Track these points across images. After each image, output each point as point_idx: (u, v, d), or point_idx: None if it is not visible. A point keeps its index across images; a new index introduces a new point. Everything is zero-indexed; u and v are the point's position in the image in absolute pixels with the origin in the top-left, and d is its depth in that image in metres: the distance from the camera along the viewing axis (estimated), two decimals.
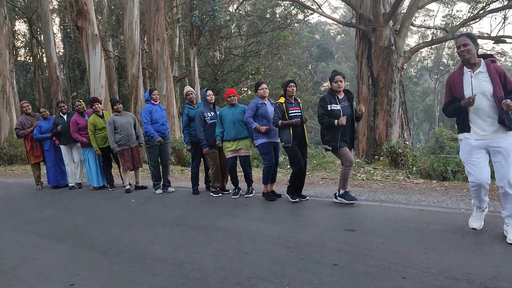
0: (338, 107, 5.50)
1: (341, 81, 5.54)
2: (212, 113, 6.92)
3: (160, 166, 7.87)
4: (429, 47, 34.75)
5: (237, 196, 6.85)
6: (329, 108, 5.50)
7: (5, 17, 18.12)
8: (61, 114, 8.71)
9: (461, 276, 3.16)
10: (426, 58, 47.16)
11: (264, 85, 6.44)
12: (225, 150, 6.69)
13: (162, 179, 7.84)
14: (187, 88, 7.45)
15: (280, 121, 5.82)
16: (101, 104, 8.42)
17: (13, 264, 4.05)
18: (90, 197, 7.71)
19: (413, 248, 3.81)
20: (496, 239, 3.92)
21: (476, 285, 3.00)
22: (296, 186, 6.11)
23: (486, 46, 31.53)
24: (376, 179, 7.49)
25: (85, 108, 8.61)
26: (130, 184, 8.16)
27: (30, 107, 9.21)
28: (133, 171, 8.25)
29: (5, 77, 17.50)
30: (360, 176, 7.91)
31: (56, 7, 31.51)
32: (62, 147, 8.72)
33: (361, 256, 3.68)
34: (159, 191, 7.65)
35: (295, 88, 5.96)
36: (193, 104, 7.29)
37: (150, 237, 4.69)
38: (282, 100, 5.95)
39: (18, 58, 32.41)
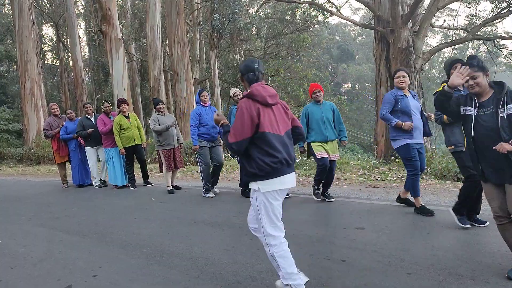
0: (472, 112, 3.32)
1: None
2: None
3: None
4: (452, 47, 34.17)
5: (332, 200, 6.28)
6: (462, 111, 3.43)
7: (33, 22, 18.75)
8: (87, 116, 9.04)
9: (465, 272, 3.26)
10: (449, 57, 46.43)
11: (402, 73, 5.16)
12: (316, 148, 6.02)
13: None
14: (234, 89, 7.10)
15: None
16: (128, 105, 8.65)
17: (39, 257, 4.32)
18: (112, 195, 7.99)
19: (420, 246, 3.91)
20: (499, 238, 3.97)
21: (479, 281, 3.09)
22: (469, 204, 4.49)
23: (510, 46, 30.84)
24: (391, 180, 7.55)
25: (111, 110, 8.94)
26: (175, 186, 8.21)
27: (58, 109, 9.59)
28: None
29: (33, 80, 18.13)
30: (374, 176, 7.98)
31: (81, 11, 32.36)
32: (88, 148, 9.03)
33: (369, 253, 3.81)
34: (210, 195, 7.24)
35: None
36: None
37: (167, 233, 4.91)
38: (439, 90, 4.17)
39: (45, 62, 33.41)
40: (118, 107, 8.48)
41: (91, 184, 9.43)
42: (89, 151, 9.04)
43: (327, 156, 5.97)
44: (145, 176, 9.00)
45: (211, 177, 7.36)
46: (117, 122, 8.30)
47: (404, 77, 5.14)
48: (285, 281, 2.88)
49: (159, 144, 7.82)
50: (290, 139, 3.05)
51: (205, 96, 7.25)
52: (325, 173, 6.05)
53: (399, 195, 5.60)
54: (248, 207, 6.08)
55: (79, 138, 9.07)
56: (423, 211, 5.07)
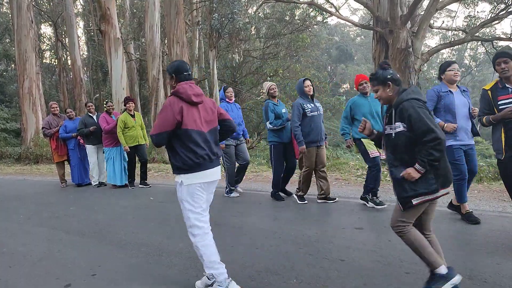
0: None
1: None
2: (312, 105, 5.99)
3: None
4: (451, 48, 34.24)
5: (384, 206, 5.59)
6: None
7: (32, 21, 18.72)
8: (90, 114, 9.03)
9: (462, 272, 3.26)
10: (448, 59, 46.52)
11: (457, 65, 4.66)
12: (368, 146, 5.51)
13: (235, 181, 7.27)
14: (268, 83, 6.69)
15: (488, 117, 3.97)
16: (134, 104, 8.60)
17: (39, 256, 4.32)
18: (111, 195, 8.00)
19: None
20: (500, 238, 4.00)
21: (476, 280, 3.11)
22: None
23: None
24: (389, 180, 7.54)
25: (113, 109, 8.96)
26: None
27: (58, 108, 9.59)
28: None
29: (31, 79, 18.09)
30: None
31: (80, 11, 32.32)
32: (89, 146, 9.00)
33: (367, 253, 3.82)
34: (234, 194, 7.02)
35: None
36: (276, 100, 6.58)
37: (166, 232, 4.91)
38: (488, 86, 4.08)
39: (44, 61, 33.33)
40: (125, 105, 8.45)
41: (90, 183, 9.42)
42: (90, 150, 9.04)
43: (379, 154, 5.48)
44: (144, 177, 8.91)
45: (235, 176, 7.17)
46: (122, 120, 8.23)
47: (459, 70, 4.70)
48: (208, 270, 3.07)
49: None
50: (215, 136, 3.25)
51: (230, 92, 6.99)
52: (378, 178, 5.51)
53: (451, 201, 4.97)
54: (249, 207, 6.10)
55: (79, 137, 9.07)
56: (469, 219, 4.62)
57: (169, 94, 3.23)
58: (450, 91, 4.58)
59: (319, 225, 4.92)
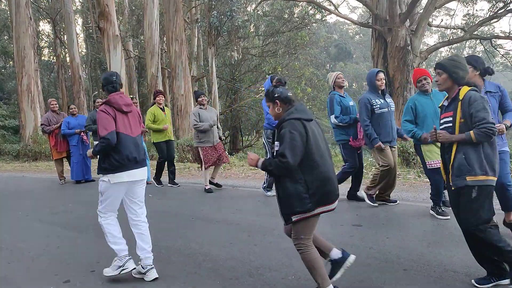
0: None
1: None
2: (382, 100, 5.34)
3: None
4: (449, 47, 34.25)
5: (445, 217, 4.72)
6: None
7: (30, 18, 18.66)
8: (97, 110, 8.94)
9: (460, 269, 3.29)
10: (446, 58, 46.51)
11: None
12: (427, 154, 4.73)
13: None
14: (335, 72, 6.03)
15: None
16: (165, 97, 8.16)
17: (38, 252, 4.33)
18: None
19: (416, 243, 3.94)
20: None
21: (474, 277, 3.12)
22: None
23: (507, 45, 30.96)
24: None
25: (136, 104, 8.71)
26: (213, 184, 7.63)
27: (57, 105, 9.55)
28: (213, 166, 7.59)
29: (30, 76, 18.05)
30: (371, 174, 7.99)
31: (79, 8, 32.23)
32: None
33: (365, 249, 3.84)
34: (270, 193, 6.63)
35: None
36: (342, 92, 5.94)
37: (165, 229, 4.93)
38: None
39: (42, 58, 33.23)
40: (154, 98, 8.04)
41: (92, 180, 9.36)
42: None
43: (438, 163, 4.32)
44: (173, 176, 8.32)
45: None
46: (152, 113, 7.81)
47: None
48: (110, 244, 3.55)
49: (199, 141, 7.27)
50: (141, 141, 3.67)
51: (275, 82, 6.48)
52: (441, 190, 4.72)
53: (504, 219, 4.25)
54: (247, 205, 6.11)
55: (82, 134, 9.01)
56: None
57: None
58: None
59: (317, 223, 4.93)
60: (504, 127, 3.70)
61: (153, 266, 3.51)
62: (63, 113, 9.45)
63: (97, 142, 3.39)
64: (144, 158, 3.62)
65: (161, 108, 7.98)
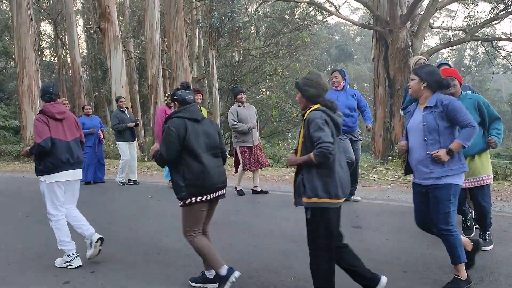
0: None
1: None
2: None
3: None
4: (450, 48, 34.24)
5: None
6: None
7: (32, 18, 18.68)
8: (122, 110, 8.78)
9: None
10: (447, 59, 46.50)
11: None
12: None
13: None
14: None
15: None
16: (202, 96, 7.72)
17: (38, 253, 4.34)
18: (110, 192, 8.00)
19: (416, 245, 3.94)
20: (497, 238, 4.01)
21: (473, 279, 3.13)
22: None
23: (508, 47, 30.95)
24: (387, 179, 7.57)
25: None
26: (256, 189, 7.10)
27: (68, 105, 9.39)
28: (252, 173, 7.10)
29: (31, 77, 18.06)
30: (372, 176, 8.01)
31: (80, 9, 32.26)
32: (122, 143, 8.67)
33: (365, 251, 3.82)
34: (355, 197, 6.07)
35: None
36: None
37: (165, 230, 4.93)
38: None
39: (43, 59, 33.26)
40: None
41: (103, 181, 9.13)
42: (123, 146, 8.68)
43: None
44: None
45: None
46: None
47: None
48: (59, 246, 3.88)
49: (237, 141, 6.89)
50: (78, 144, 4.07)
51: (336, 77, 5.79)
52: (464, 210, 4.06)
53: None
54: (246, 206, 6.11)
55: (99, 134, 8.93)
56: None
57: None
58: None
59: None
60: (444, 153, 2.88)
61: (96, 234, 3.95)
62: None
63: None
64: (79, 160, 4.02)
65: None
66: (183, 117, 3.12)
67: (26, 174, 12.55)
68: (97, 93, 28.95)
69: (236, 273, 3.06)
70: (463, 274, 2.97)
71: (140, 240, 4.58)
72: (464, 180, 3.44)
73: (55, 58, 30.32)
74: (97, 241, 3.90)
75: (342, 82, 5.78)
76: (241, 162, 6.89)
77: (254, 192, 7.01)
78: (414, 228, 4.50)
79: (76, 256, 3.89)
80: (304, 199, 2.73)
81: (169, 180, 7.87)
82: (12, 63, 29.39)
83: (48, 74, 33.02)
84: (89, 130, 8.73)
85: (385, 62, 13.87)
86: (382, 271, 3.35)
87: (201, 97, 7.62)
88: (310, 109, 2.79)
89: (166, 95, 8.38)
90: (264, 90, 26.21)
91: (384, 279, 2.83)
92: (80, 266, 3.85)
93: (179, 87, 3.33)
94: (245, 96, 7.04)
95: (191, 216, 3.17)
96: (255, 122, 6.97)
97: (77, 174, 4.02)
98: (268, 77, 22.09)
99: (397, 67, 13.43)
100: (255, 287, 3.21)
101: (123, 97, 9.16)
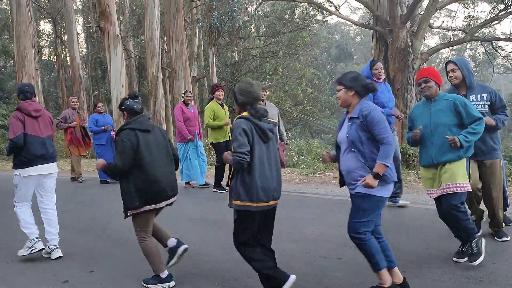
0: None
1: None
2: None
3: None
4: (450, 48, 34.25)
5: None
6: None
7: (31, 17, 18.62)
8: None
9: (459, 271, 3.29)
10: (447, 59, 46.50)
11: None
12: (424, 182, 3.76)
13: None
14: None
15: None
16: (224, 92, 7.46)
17: (37, 252, 4.32)
18: (110, 192, 7.99)
19: (415, 245, 3.94)
20: (496, 238, 4.01)
21: (472, 279, 3.13)
22: None
23: (508, 47, 30.93)
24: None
25: (191, 100, 7.93)
26: None
27: (77, 103, 9.33)
28: None
29: (30, 76, 18.02)
30: None
31: (80, 7, 32.24)
32: None
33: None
34: (402, 201, 5.55)
35: None
36: None
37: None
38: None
39: (43, 57, 33.22)
40: (213, 93, 7.28)
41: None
42: None
43: (434, 193, 3.54)
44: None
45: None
46: (211, 109, 6.99)
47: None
48: (22, 229, 4.17)
49: None
50: (51, 140, 4.29)
51: (379, 69, 5.33)
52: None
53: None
54: None
55: (112, 132, 8.78)
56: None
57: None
58: None
59: (316, 223, 4.93)
60: (371, 180, 2.81)
61: (57, 246, 4.14)
62: (81, 112, 9.19)
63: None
64: (53, 155, 4.25)
65: (220, 104, 7.17)
66: (133, 128, 3.26)
67: None
68: (97, 92, 28.94)
69: (172, 284, 3.31)
70: (386, 281, 2.92)
71: None
72: (434, 190, 3.51)
73: (55, 57, 30.27)
74: (38, 248, 4.12)
75: (384, 75, 5.54)
76: None
77: None
78: (413, 229, 4.52)
79: (38, 240, 4.09)
80: (233, 202, 2.95)
81: (185, 182, 7.83)
82: (12, 62, 29.35)
83: (47, 73, 33.00)
84: (103, 127, 8.66)
85: (385, 62, 13.87)
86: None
87: (223, 93, 7.38)
88: (237, 117, 3.02)
89: (183, 92, 8.11)
90: (264, 89, 26.24)
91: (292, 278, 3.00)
92: (42, 249, 4.08)
93: (127, 96, 3.48)
94: (266, 94, 6.53)
95: (140, 221, 3.35)
96: (276, 122, 6.55)
97: (51, 167, 4.24)
98: (268, 76, 22.11)
99: (397, 67, 13.44)
100: (255, 287, 3.21)
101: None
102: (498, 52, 18.57)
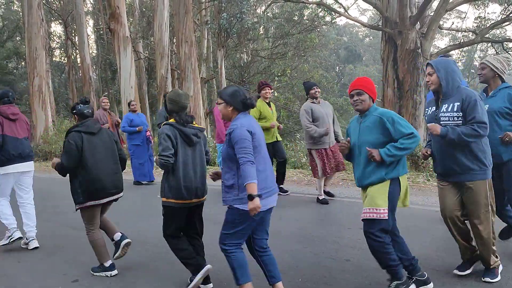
0: None
1: None
2: None
3: None
4: (460, 50, 33.97)
5: None
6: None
7: (42, 19, 18.85)
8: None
9: (468, 274, 3.26)
10: (457, 61, 46.16)
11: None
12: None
13: None
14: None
15: None
16: (271, 90, 6.96)
17: (45, 251, 4.38)
18: (132, 193, 8.01)
19: (424, 247, 3.92)
20: (505, 242, 3.97)
21: (473, 279, 3.10)
22: None
23: None
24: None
25: None
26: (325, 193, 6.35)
27: (108, 103, 8.96)
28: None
29: (41, 77, 18.23)
30: None
31: (90, 9, 32.52)
32: None
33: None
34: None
35: None
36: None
37: None
38: None
39: (54, 59, 33.54)
40: (259, 92, 6.79)
41: (152, 181, 8.61)
42: None
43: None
44: (282, 180, 6.87)
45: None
46: (257, 109, 6.48)
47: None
48: (2, 220, 4.53)
49: (312, 142, 5.91)
50: (28, 141, 4.68)
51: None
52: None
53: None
54: None
55: (147, 131, 8.49)
56: None
57: None
58: None
59: (324, 225, 4.92)
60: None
61: (34, 238, 4.55)
62: (113, 114, 8.96)
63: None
64: (31, 154, 4.61)
65: (267, 103, 6.68)
66: (80, 131, 3.61)
67: (36, 174, 12.65)
68: (107, 93, 29.11)
69: (114, 272, 3.68)
70: None
71: (146, 240, 4.61)
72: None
73: (65, 59, 30.56)
74: (16, 237, 4.51)
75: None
76: (319, 168, 5.91)
77: (324, 192, 6.26)
78: (422, 231, 4.49)
79: (16, 230, 4.50)
80: (162, 198, 3.32)
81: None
82: (23, 63, 29.72)
83: (58, 74, 33.32)
84: (137, 128, 8.26)
85: (394, 64, 13.80)
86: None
87: (270, 91, 6.81)
88: (164, 123, 3.35)
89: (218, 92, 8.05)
90: (272, 91, 26.26)
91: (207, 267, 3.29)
92: (20, 238, 4.49)
93: (79, 102, 3.83)
94: (319, 90, 6.12)
95: (87, 216, 3.69)
96: (331, 122, 6.05)
97: (29, 166, 4.62)
98: (276, 78, 22.12)
99: (406, 68, 13.36)
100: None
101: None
102: (509, 53, 18.39)
